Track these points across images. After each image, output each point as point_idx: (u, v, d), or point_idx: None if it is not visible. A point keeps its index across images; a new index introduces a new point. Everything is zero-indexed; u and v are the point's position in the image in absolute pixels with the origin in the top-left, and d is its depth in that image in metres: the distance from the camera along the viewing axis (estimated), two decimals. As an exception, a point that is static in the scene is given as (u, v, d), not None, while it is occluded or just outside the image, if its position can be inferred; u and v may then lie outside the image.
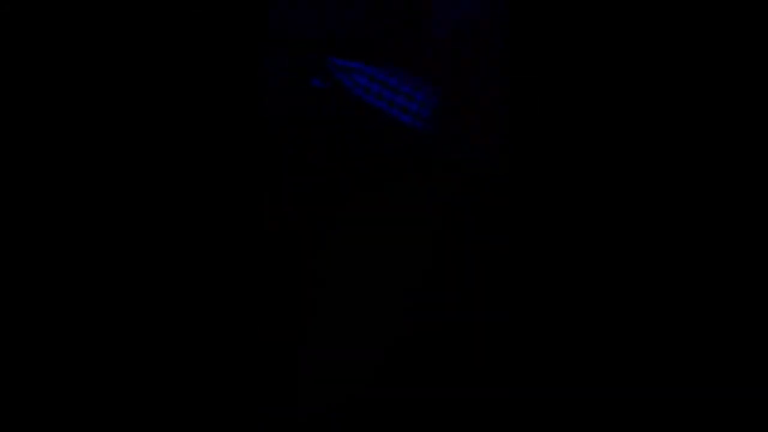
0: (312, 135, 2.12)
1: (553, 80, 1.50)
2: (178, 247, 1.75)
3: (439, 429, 1.95)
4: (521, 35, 1.52)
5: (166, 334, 1.75)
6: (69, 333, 1.70)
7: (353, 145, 2.14)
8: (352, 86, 2.22)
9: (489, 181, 2.05)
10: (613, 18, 1.47)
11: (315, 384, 1.94)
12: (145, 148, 1.72)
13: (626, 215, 1.48)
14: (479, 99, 2.07)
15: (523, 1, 1.52)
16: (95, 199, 1.70)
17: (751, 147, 1.43)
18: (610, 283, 1.50)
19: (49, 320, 1.70)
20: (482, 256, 2.03)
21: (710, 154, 1.45)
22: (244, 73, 1.82)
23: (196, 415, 1.78)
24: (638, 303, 1.50)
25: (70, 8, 1.67)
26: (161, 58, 1.73)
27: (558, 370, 1.54)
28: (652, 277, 1.49)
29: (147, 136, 1.72)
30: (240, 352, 1.82)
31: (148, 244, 1.73)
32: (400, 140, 2.15)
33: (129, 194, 1.72)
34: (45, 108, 1.68)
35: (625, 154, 1.48)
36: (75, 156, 1.69)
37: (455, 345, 2.04)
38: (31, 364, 1.69)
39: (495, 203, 2.04)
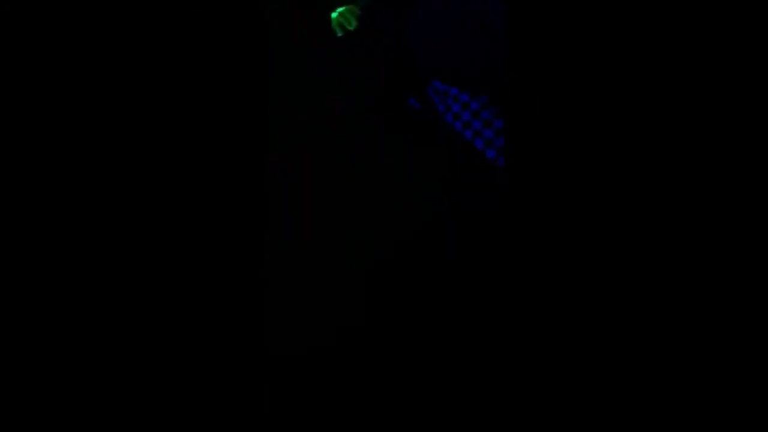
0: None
1: (552, 80, 1.50)
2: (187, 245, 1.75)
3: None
4: (521, 34, 1.52)
5: (166, 333, 1.75)
6: (69, 324, 1.70)
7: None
8: (444, 111, 2.21)
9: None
10: (613, 18, 1.47)
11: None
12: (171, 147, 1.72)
13: (635, 226, 1.48)
14: None
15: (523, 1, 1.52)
16: (96, 195, 1.70)
17: (751, 147, 1.43)
18: (611, 283, 1.50)
19: (50, 320, 1.69)
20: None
21: (719, 162, 1.44)
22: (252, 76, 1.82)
23: (196, 415, 1.78)
24: (639, 304, 1.49)
25: (72, 8, 1.67)
26: (193, 59, 1.73)
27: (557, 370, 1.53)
28: (653, 277, 1.49)
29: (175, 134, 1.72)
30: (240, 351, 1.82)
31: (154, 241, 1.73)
32: (478, 171, 2.13)
33: (131, 194, 1.72)
34: (60, 113, 1.68)
35: (626, 153, 1.48)
36: (85, 152, 1.69)
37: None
38: (31, 363, 1.69)
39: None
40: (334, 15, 2.20)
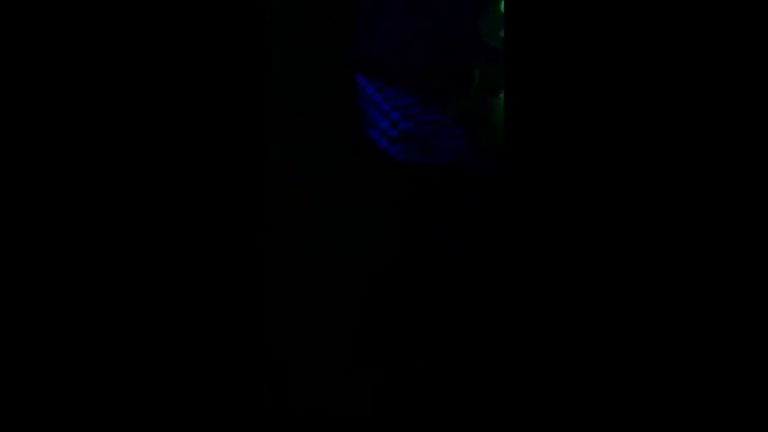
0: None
1: (551, 80, 1.50)
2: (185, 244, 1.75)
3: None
4: (519, 34, 1.52)
5: (166, 331, 1.75)
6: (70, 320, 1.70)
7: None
8: (365, 102, 2.20)
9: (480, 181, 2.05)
10: (612, 18, 1.47)
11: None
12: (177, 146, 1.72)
13: (635, 227, 1.48)
14: None
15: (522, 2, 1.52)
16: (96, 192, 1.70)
17: (751, 147, 1.43)
18: (610, 284, 1.50)
19: (48, 319, 1.69)
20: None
21: (722, 166, 1.44)
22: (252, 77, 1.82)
23: (195, 414, 1.78)
24: (638, 307, 1.49)
25: (75, 8, 1.67)
26: (196, 58, 1.73)
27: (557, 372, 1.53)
28: (653, 276, 1.48)
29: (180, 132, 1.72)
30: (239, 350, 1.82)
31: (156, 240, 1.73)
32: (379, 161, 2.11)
33: (132, 194, 1.72)
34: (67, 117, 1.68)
35: (625, 154, 1.48)
36: (87, 152, 1.69)
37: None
38: (30, 363, 1.69)
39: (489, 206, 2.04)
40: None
